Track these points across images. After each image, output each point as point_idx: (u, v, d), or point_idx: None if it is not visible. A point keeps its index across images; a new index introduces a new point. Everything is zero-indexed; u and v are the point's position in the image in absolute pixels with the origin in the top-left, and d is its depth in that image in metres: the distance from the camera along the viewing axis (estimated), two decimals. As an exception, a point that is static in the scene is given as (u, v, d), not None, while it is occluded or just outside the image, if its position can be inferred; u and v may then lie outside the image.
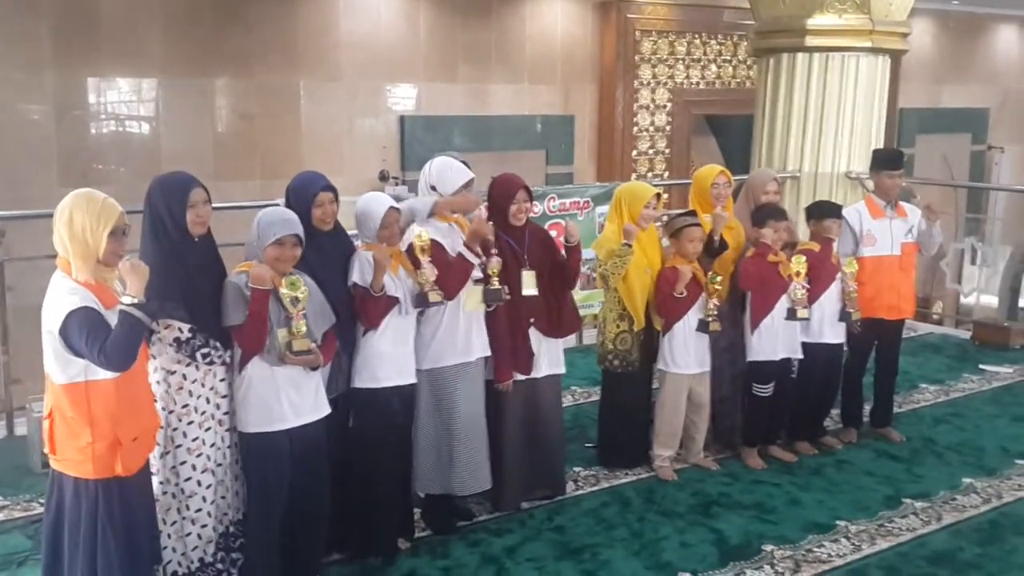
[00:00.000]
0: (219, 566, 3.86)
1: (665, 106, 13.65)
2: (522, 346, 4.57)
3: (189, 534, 3.79)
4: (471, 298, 4.36)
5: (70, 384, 3.18)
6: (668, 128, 13.67)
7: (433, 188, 4.39)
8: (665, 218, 5.49)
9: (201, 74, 10.30)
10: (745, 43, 14.01)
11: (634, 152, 13.41)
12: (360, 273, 4.03)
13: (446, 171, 4.41)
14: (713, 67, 14.02)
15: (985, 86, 16.99)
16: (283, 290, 3.65)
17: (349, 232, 4.25)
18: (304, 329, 3.69)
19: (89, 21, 9.61)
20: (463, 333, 4.35)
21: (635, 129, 13.41)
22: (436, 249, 4.19)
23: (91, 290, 3.18)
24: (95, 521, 3.27)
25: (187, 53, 10.15)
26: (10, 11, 9.18)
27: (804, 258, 5.05)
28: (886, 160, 5.57)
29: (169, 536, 3.77)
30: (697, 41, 13.82)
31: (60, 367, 3.18)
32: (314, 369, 3.79)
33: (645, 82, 13.42)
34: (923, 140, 15.61)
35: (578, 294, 6.84)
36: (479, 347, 4.41)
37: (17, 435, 5.50)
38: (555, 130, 12.79)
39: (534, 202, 4.76)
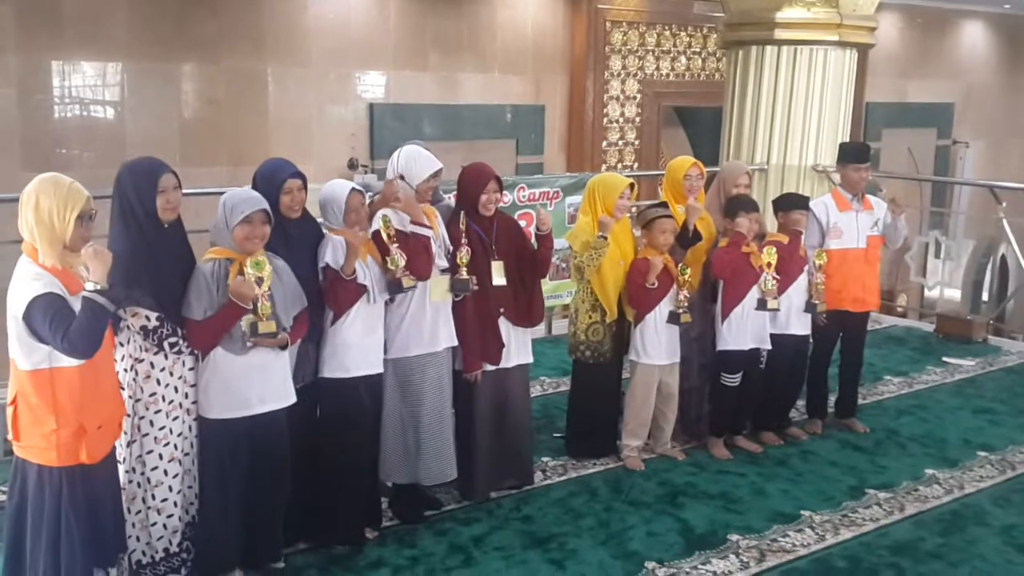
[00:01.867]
0: (183, 556, 3.85)
1: (635, 97, 13.67)
2: (492, 337, 4.57)
3: (155, 524, 3.76)
4: (437, 288, 4.34)
5: (34, 371, 3.15)
6: (638, 119, 13.69)
7: (401, 177, 4.35)
8: (635, 210, 5.49)
9: (167, 59, 10.17)
10: (715, 35, 14.06)
11: (604, 143, 13.42)
12: (332, 255, 4.01)
13: (414, 160, 4.37)
14: (683, 59, 14.05)
15: (950, 81, 17.15)
16: (248, 270, 3.62)
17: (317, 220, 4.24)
18: (269, 311, 3.66)
19: (52, 3, 9.47)
20: (429, 323, 4.33)
21: (605, 120, 13.41)
22: (399, 236, 4.18)
23: (56, 276, 3.15)
24: (59, 509, 3.24)
25: (153, 37, 10.02)
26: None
27: (775, 249, 5.08)
28: (853, 153, 5.62)
29: (134, 525, 3.75)
30: (667, 33, 13.84)
31: (24, 353, 3.15)
32: (282, 348, 3.77)
33: (615, 73, 13.42)
34: (889, 134, 15.73)
35: (547, 284, 6.90)
36: (445, 337, 4.40)
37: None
38: (526, 120, 12.77)
39: (503, 192, 4.73)
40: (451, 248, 4.40)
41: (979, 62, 17.61)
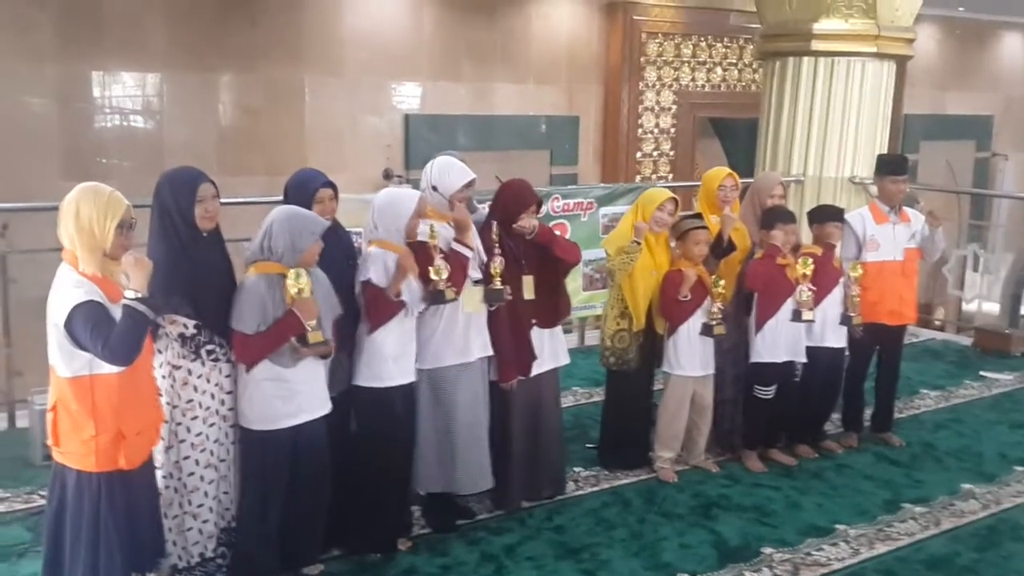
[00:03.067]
0: (219, 561, 3.88)
1: (670, 108, 13.63)
2: (524, 348, 4.56)
3: (190, 529, 3.80)
4: (470, 299, 4.33)
5: (75, 378, 3.19)
6: (673, 130, 13.65)
7: (435, 188, 4.36)
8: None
9: (205, 68, 10.28)
10: (751, 46, 14.01)
11: (639, 154, 13.40)
12: (376, 272, 4.01)
13: (447, 171, 4.38)
14: (719, 70, 14.00)
15: (989, 93, 16.97)
16: (290, 282, 3.64)
17: (351, 230, 4.27)
18: (315, 322, 3.69)
19: (92, 13, 9.60)
20: (461, 333, 4.33)
21: (640, 131, 13.38)
22: (421, 250, 4.15)
23: (97, 283, 3.19)
24: (97, 514, 3.27)
25: (191, 47, 10.13)
26: (13, 3, 9.19)
27: (811, 260, 5.05)
28: (890, 165, 5.58)
29: (170, 530, 3.78)
30: (703, 44, 13.80)
31: (65, 360, 3.19)
32: (324, 358, 3.80)
33: (650, 84, 13.40)
34: (927, 146, 15.58)
35: (580, 294, 6.92)
36: (478, 347, 4.39)
37: (18, 427, 5.50)
38: (560, 130, 12.77)
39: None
40: (484, 259, 4.40)
41: (1018, 75, 17.41)
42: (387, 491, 4.20)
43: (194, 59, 10.17)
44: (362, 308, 4.06)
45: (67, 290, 3.16)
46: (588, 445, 5.45)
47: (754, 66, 14.09)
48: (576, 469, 5.13)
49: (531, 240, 4.55)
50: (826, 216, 5.37)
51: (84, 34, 9.56)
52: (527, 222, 4.47)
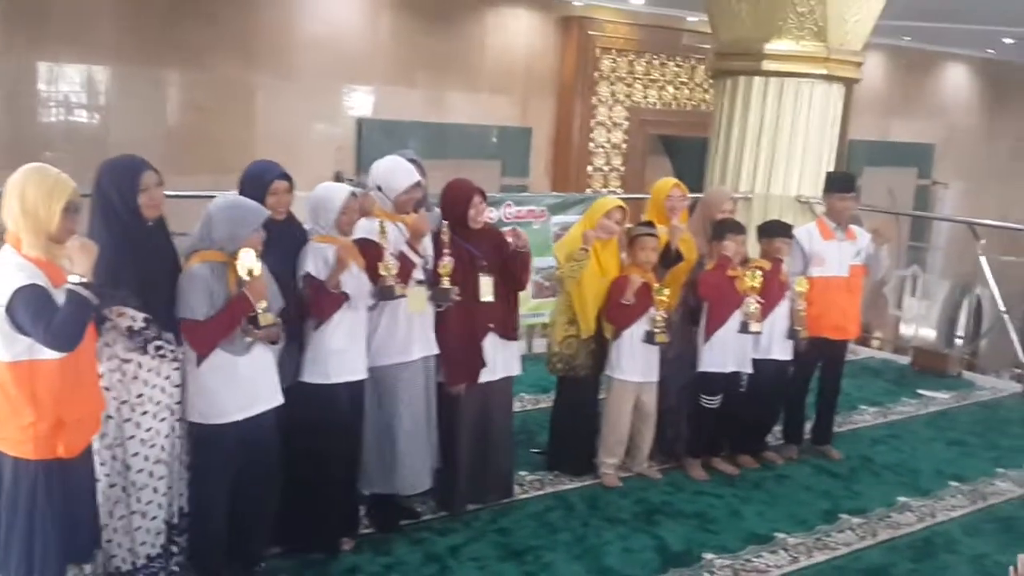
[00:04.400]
0: (164, 559, 3.79)
1: (622, 124, 13.79)
2: (474, 353, 4.55)
3: (138, 528, 3.71)
4: (414, 299, 4.30)
5: (14, 362, 3.11)
6: (624, 146, 13.81)
7: (379, 188, 4.32)
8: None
9: (154, 64, 10.17)
10: (702, 66, 14.21)
11: (589, 168, 13.52)
12: (315, 265, 3.99)
13: (393, 172, 4.33)
14: (670, 88, 14.19)
15: (932, 122, 17.38)
16: (239, 262, 3.60)
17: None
18: (265, 303, 3.66)
19: (40, 5, 9.47)
20: (403, 333, 4.30)
21: (591, 145, 13.53)
22: (371, 248, 4.15)
23: (40, 267, 3.12)
24: (34, 503, 3.20)
25: (141, 41, 10.02)
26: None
27: (759, 273, 5.12)
28: (838, 183, 5.68)
29: (115, 531, 3.71)
30: (656, 62, 13.99)
31: (5, 345, 3.11)
32: (273, 343, 3.77)
33: (603, 99, 13.54)
34: (871, 172, 15.88)
35: (529, 302, 6.94)
36: (419, 347, 4.35)
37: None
38: (512, 141, 12.84)
39: (489, 208, 4.73)
40: (432, 259, 4.38)
41: (961, 105, 17.86)
42: (330, 489, 4.15)
43: (144, 54, 10.06)
44: (305, 302, 4.01)
45: (9, 273, 3.09)
46: (534, 450, 5.47)
47: (705, 86, 14.31)
48: (522, 473, 5.13)
49: (494, 242, 4.57)
50: (775, 231, 5.45)
51: (31, 25, 9.41)
52: (477, 213, 4.48)
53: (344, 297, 4.02)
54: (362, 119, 11.59)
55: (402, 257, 4.21)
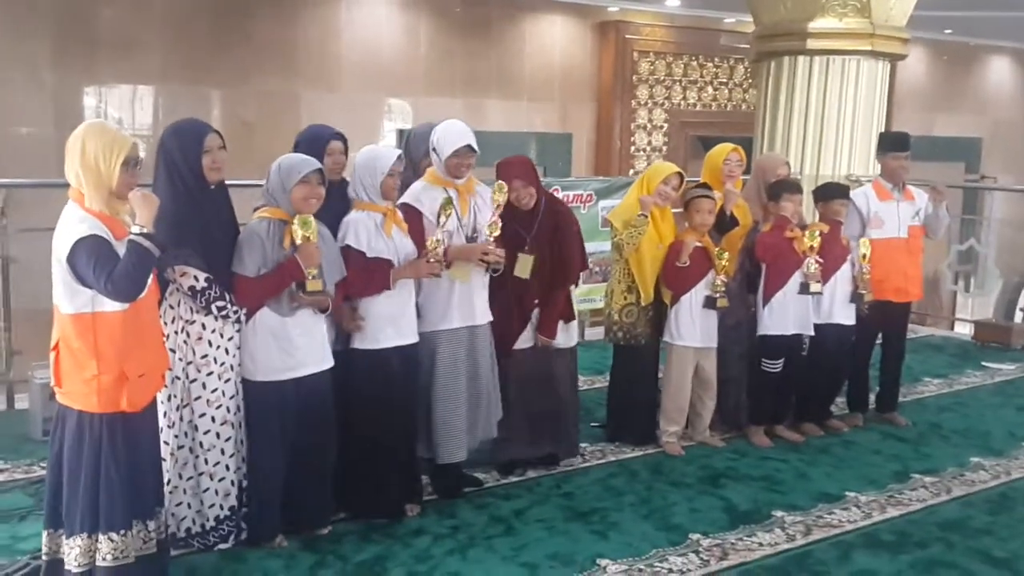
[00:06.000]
0: (233, 521, 3.80)
1: (662, 127, 13.72)
2: (507, 326, 4.51)
3: (207, 490, 3.73)
4: (457, 268, 4.23)
5: (77, 314, 3.13)
6: (664, 148, 13.72)
7: (434, 150, 4.26)
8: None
9: (200, 82, 10.32)
10: (741, 66, 14.17)
11: (631, 171, 13.42)
12: (355, 236, 3.94)
13: (447, 132, 4.23)
14: (709, 89, 14.12)
15: (977, 116, 17.13)
16: (296, 227, 3.62)
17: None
18: (316, 271, 3.66)
19: (88, 27, 9.66)
20: (443, 301, 4.24)
21: (632, 148, 13.46)
22: (413, 214, 4.13)
23: (102, 220, 3.14)
24: (99, 456, 3.20)
25: (186, 60, 10.19)
26: (11, 16, 9.24)
27: (818, 232, 5.04)
28: (892, 142, 5.60)
29: (185, 492, 3.72)
30: (694, 63, 13.92)
31: (68, 297, 3.13)
32: (323, 311, 3.76)
33: (642, 102, 13.49)
34: (916, 168, 15.61)
35: (580, 288, 6.87)
36: (460, 316, 4.27)
37: (17, 408, 5.42)
38: (553, 147, 12.82)
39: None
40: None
41: (1006, 97, 17.59)
42: (387, 455, 4.10)
43: (189, 72, 10.21)
44: (348, 278, 3.92)
45: (71, 225, 3.11)
46: (594, 424, 5.40)
47: (744, 85, 14.24)
48: (583, 445, 5.07)
49: (552, 224, 4.55)
50: (832, 194, 5.37)
51: (79, 47, 9.60)
52: (518, 196, 4.44)
53: (385, 281, 3.96)
54: (404, 130, 11.63)
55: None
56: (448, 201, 4.10)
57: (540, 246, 4.54)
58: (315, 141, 4.04)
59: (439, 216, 4.09)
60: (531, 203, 4.52)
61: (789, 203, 5.05)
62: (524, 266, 4.50)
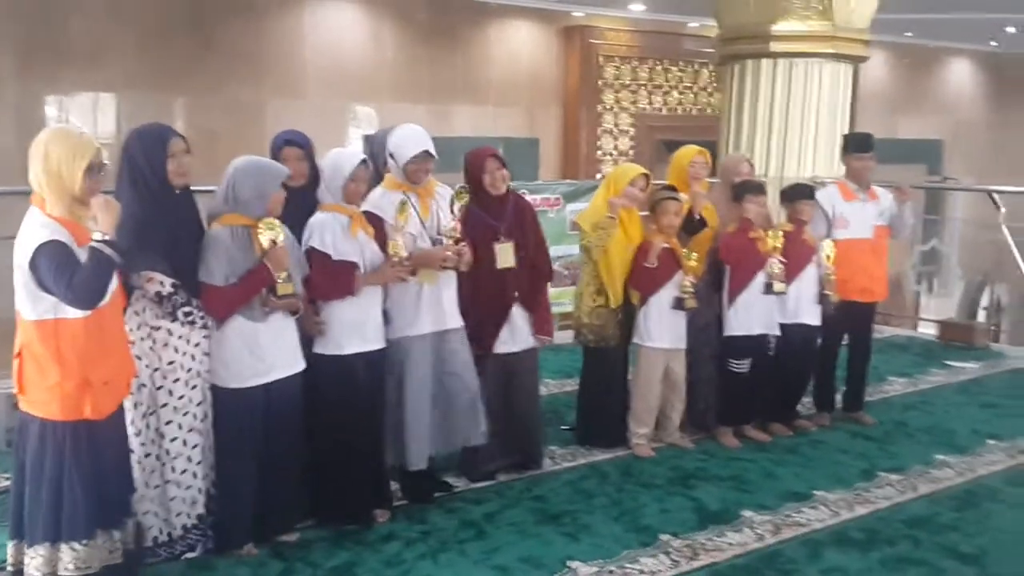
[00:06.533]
0: (200, 529, 3.76)
1: (628, 131, 13.80)
2: (488, 320, 4.50)
3: (173, 498, 3.68)
4: (424, 271, 4.22)
5: (39, 321, 3.11)
6: (631, 152, 13.80)
7: (391, 155, 4.24)
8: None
9: (165, 89, 10.26)
10: (706, 71, 14.27)
11: (598, 175, 13.47)
12: (320, 237, 3.90)
13: (404, 138, 4.21)
14: (675, 93, 14.23)
15: (939, 117, 17.36)
16: (262, 230, 3.60)
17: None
18: (285, 274, 3.64)
19: (53, 36, 9.58)
20: (412, 306, 4.22)
21: (599, 152, 13.53)
22: (377, 220, 4.11)
23: (64, 226, 3.11)
24: (61, 464, 3.17)
25: (150, 68, 10.13)
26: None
27: (781, 233, 5.08)
28: (856, 143, 5.64)
29: (151, 501, 3.67)
30: (659, 67, 14.03)
31: (30, 303, 3.11)
32: (294, 314, 3.74)
33: (608, 107, 13.58)
34: (880, 170, 15.74)
35: (549, 291, 6.87)
36: (430, 321, 4.26)
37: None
38: (520, 152, 12.80)
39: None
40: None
41: (967, 99, 17.85)
42: (353, 461, 4.06)
43: (153, 81, 10.14)
44: (309, 281, 3.88)
45: (34, 230, 3.09)
46: (564, 427, 5.40)
47: (709, 90, 14.35)
48: (552, 448, 5.07)
49: (521, 211, 4.59)
50: (797, 194, 5.40)
51: (43, 55, 9.52)
52: (493, 178, 4.48)
53: (350, 287, 3.93)
54: (369, 135, 11.59)
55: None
56: (403, 204, 4.08)
57: (514, 234, 4.55)
58: (271, 147, 4.08)
59: (395, 219, 4.08)
60: (504, 188, 4.54)
61: (752, 204, 5.08)
62: (506, 255, 4.51)
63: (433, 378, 4.30)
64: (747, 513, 4.34)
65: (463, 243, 4.26)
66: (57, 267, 3.02)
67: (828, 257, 5.28)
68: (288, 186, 3.85)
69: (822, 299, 5.32)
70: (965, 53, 17.51)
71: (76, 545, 3.18)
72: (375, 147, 4.61)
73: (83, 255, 3.10)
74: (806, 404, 5.77)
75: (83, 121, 9.95)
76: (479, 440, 4.44)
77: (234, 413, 3.71)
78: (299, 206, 3.96)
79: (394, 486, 4.40)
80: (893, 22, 12.76)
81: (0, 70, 9.39)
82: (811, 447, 5.26)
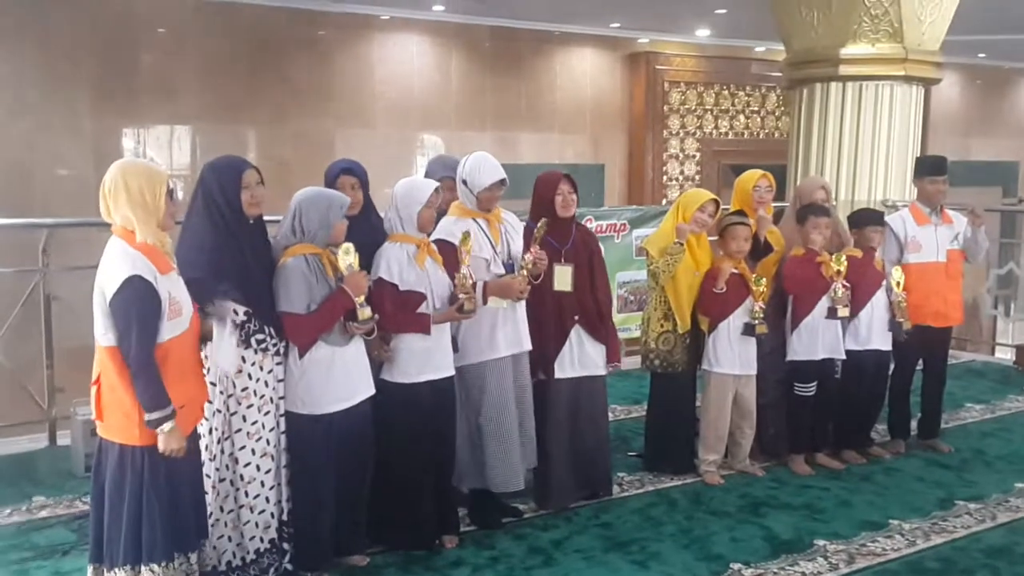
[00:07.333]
0: (273, 554, 3.79)
1: (694, 156, 13.76)
2: (548, 344, 4.50)
3: (247, 522, 3.72)
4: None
5: (117, 347, 3.16)
6: (697, 177, 13.74)
7: (464, 183, 4.29)
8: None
9: (237, 121, 10.50)
10: (773, 94, 14.18)
11: (664, 201, 13.45)
12: (387, 267, 3.93)
13: (479, 167, 4.26)
14: (741, 118, 14.15)
15: (1013, 140, 17.00)
16: (341, 255, 3.66)
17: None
18: (363, 297, 3.69)
19: (126, 72, 9.87)
20: (487, 329, 4.25)
21: (665, 178, 13.50)
22: (448, 248, 4.13)
23: (148, 255, 3.18)
24: (140, 489, 3.22)
25: (224, 101, 10.37)
26: (50, 65, 9.46)
27: (844, 256, 5.02)
28: (929, 166, 5.55)
29: (226, 525, 3.72)
30: (725, 92, 13.97)
31: (108, 328, 3.17)
32: (368, 336, 3.78)
33: (674, 132, 13.55)
34: (953, 193, 15.46)
35: (616, 316, 6.85)
36: (507, 344, 4.28)
37: (60, 445, 5.47)
38: (585, 179, 12.79)
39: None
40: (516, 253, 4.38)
41: (1042, 120, 17.47)
42: (419, 487, 4.08)
43: (226, 112, 10.38)
44: (380, 311, 3.88)
45: (120, 262, 3.15)
46: (631, 453, 5.38)
47: (776, 113, 14.25)
48: (620, 474, 5.05)
49: (584, 238, 4.62)
50: (865, 220, 5.34)
51: (118, 88, 9.81)
52: (564, 200, 4.49)
53: (425, 326, 3.96)
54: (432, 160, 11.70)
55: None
56: (466, 236, 4.10)
57: (577, 258, 4.57)
58: (327, 176, 4.20)
59: (459, 252, 4.07)
60: (572, 211, 4.56)
61: (815, 229, 5.02)
62: (563, 278, 4.51)
63: (514, 401, 4.33)
64: (820, 542, 4.28)
65: (539, 278, 4.30)
66: (134, 321, 3.12)
67: (898, 283, 5.19)
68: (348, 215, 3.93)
69: (893, 327, 5.23)
70: (1040, 74, 17.17)
71: (156, 567, 3.24)
72: (432, 174, 4.66)
73: (166, 283, 3.19)
74: (880, 431, 5.67)
75: (158, 153, 10.24)
76: (534, 462, 4.45)
77: (313, 439, 3.74)
78: (354, 234, 4.00)
79: (462, 512, 4.41)
80: (965, 44, 12.56)
81: (77, 104, 9.69)
82: (886, 475, 5.16)
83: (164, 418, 3.14)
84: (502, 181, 4.28)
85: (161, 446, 3.18)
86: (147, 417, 3.13)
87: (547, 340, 4.49)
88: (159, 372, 3.15)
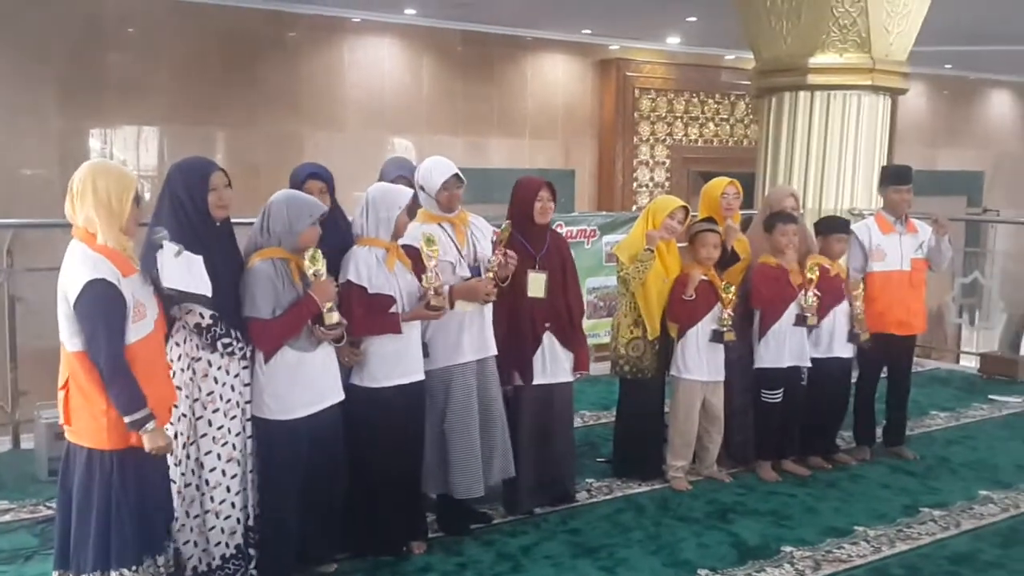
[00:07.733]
0: (239, 560, 3.76)
1: (664, 163, 13.81)
2: (521, 350, 4.50)
3: (212, 528, 3.69)
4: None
5: (84, 351, 3.13)
6: (667, 184, 13.80)
7: (422, 188, 4.27)
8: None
9: (206, 122, 10.42)
10: (743, 102, 14.27)
11: (634, 207, 13.48)
12: (356, 271, 3.91)
13: (431, 169, 4.26)
14: (711, 125, 14.22)
15: (979, 150, 17.20)
16: (307, 263, 3.63)
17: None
18: (331, 303, 3.67)
19: (94, 72, 9.77)
20: (454, 334, 4.24)
21: (634, 184, 13.54)
22: (414, 253, 4.09)
23: (110, 258, 3.15)
24: (109, 493, 3.20)
25: (192, 102, 10.29)
26: (17, 63, 9.36)
27: (817, 267, 5.05)
28: (894, 175, 5.61)
29: (191, 530, 3.69)
30: (695, 100, 14.04)
31: (74, 335, 3.14)
32: (337, 342, 3.76)
33: (644, 138, 13.59)
34: (919, 202, 15.59)
35: (584, 322, 6.86)
36: (472, 349, 4.28)
37: (23, 448, 5.41)
38: (556, 184, 12.76)
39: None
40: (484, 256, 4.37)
41: (1007, 131, 17.67)
42: (389, 492, 4.06)
43: (195, 113, 10.30)
44: (349, 315, 3.84)
45: (82, 265, 3.12)
46: (599, 459, 5.39)
47: (745, 121, 14.33)
48: (588, 480, 5.06)
49: (558, 245, 4.63)
50: (830, 228, 5.38)
51: (86, 89, 9.71)
52: (543, 207, 4.51)
53: (396, 326, 3.95)
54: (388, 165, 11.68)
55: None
56: (429, 238, 4.07)
57: (550, 265, 4.57)
58: (292, 180, 4.17)
59: (422, 253, 4.04)
60: (549, 217, 4.58)
61: (783, 236, 5.06)
62: (537, 285, 4.52)
63: (478, 407, 4.31)
64: (787, 548, 4.30)
65: (507, 280, 4.31)
66: (99, 321, 3.10)
67: (858, 296, 5.23)
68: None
69: (852, 338, 5.27)
70: (1005, 85, 17.37)
71: (126, 572, 3.22)
72: (387, 174, 4.64)
73: (129, 286, 3.16)
74: (846, 438, 5.72)
75: (125, 153, 10.14)
76: (511, 472, 4.43)
77: (282, 444, 3.71)
78: (320, 238, 3.98)
79: (430, 517, 4.40)
80: (932, 54, 12.69)
81: (43, 103, 9.58)
82: (851, 482, 5.20)
83: (145, 418, 3.12)
84: (457, 177, 4.26)
85: (148, 445, 3.16)
86: (128, 419, 3.11)
87: (519, 347, 4.49)
88: (132, 374, 3.12)
